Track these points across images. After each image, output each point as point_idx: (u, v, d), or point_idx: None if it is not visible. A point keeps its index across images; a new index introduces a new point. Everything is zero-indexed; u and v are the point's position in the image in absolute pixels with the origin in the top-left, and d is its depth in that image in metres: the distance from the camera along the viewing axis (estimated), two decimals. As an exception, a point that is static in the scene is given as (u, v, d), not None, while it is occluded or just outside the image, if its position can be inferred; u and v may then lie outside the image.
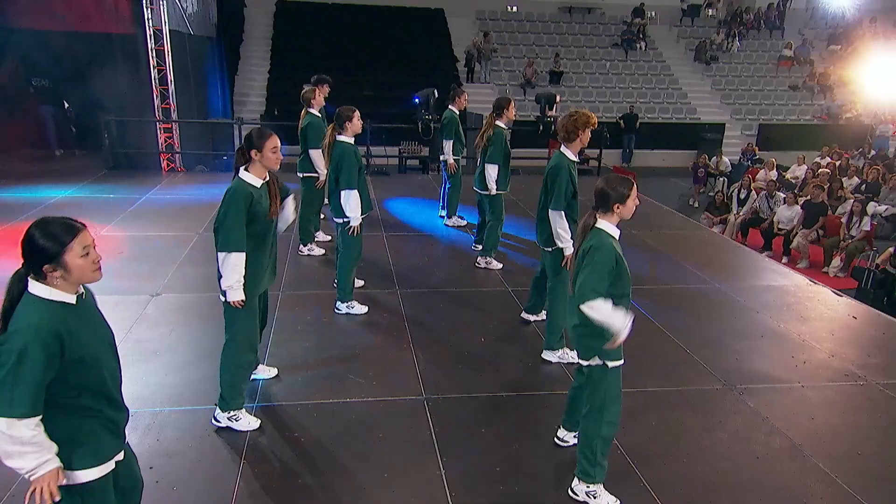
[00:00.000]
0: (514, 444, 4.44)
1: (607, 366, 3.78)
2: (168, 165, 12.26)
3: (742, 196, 14.02)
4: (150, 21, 11.47)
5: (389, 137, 14.63)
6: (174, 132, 12.25)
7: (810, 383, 5.43)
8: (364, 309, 6.51)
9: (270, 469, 4.08)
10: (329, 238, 8.30)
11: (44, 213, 7.00)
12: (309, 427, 4.56)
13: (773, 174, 15.20)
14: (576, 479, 3.93)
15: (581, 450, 3.90)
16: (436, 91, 11.72)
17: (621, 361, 3.82)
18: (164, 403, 4.77)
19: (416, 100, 11.70)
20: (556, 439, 4.48)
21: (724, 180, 16.50)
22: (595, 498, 3.89)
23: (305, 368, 5.38)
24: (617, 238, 3.78)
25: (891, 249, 10.05)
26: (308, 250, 8.01)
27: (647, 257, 8.59)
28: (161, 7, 11.57)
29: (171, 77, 11.74)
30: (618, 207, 3.64)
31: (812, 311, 7.03)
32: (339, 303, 6.50)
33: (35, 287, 2.29)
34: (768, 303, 7.19)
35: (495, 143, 7.43)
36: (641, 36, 24.28)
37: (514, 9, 25.01)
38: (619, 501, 3.93)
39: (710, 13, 26.46)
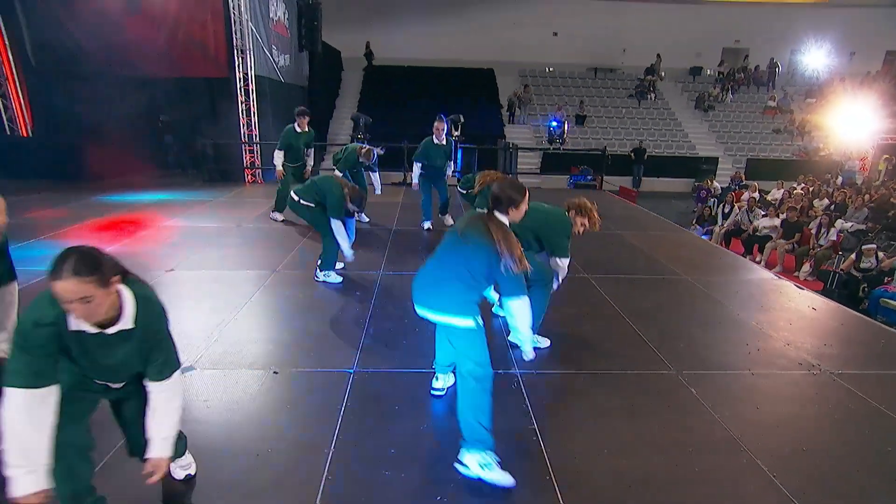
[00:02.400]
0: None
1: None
2: (251, 179, 11.59)
3: (726, 210, 12.42)
4: (241, 67, 10.91)
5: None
6: (255, 152, 11.57)
7: (761, 371, 3.98)
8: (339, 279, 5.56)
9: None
10: None
11: (157, 210, 7.00)
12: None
13: (756, 195, 13.48)
14: None
15: None
16: (461, 116, 10.78)
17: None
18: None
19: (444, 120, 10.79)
20: None
21: (714, 200, 14.86)
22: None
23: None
24: None
25: (853, 256, 8.43)
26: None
27: (623, 251, 7.16)
28: (249, 58, 10.97)
29: (254, 109, 11.08)
30: (510, 211, 2.85)
31: (773, 302, 5.48)
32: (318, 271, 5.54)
33: None
34: (731, 293, 5.66)
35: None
36: (652, 89, 22.60)
37: (551, 69, 23.69)
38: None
39: (709, 72, 24.46)
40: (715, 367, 4.00)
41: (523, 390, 3.60)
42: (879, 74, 23.31)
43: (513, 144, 14.43)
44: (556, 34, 24.55)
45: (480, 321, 2.81)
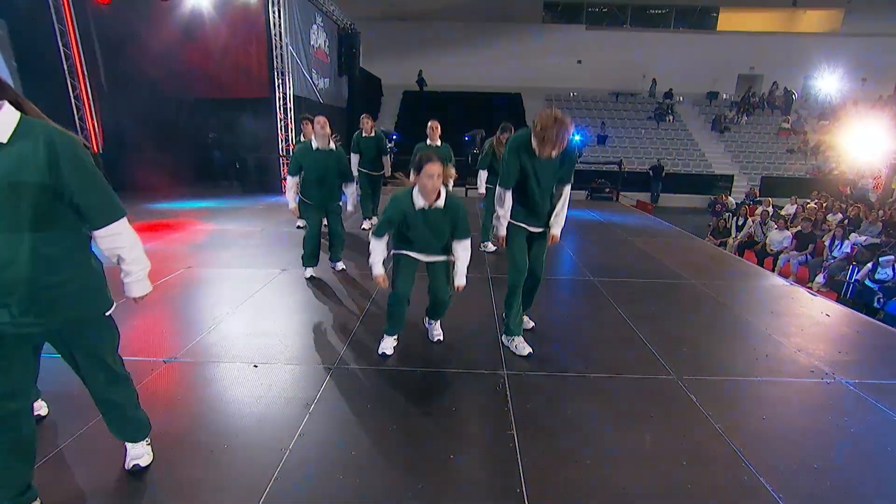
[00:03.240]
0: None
1: None
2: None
3: (740, 223, 11.52)
4: (280, 88, 10.70)
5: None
6: (293, 165, 11.23)
7: (769, 378, 3.34)
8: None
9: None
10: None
11: (195, 214, 6.90)
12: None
13: (770, 209, 12.53)
14: None
15: None
16: (483, 132, 10.27)
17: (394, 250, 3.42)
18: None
19: (466, 138, 10.36)
20: None
21: (728, 214, 13.94)
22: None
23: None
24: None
25: (869, 265, 7.54)
26: None
27: (631, 255, 6.46)
28: (288, 79, 10.76)
29: (291, 126, 10.80)
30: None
31: (784, 308, 4.76)
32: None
33: None
34: (739, 298, 4.96)
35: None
36: (670, 112, 21.64)
37: (575, 94, 22.99)
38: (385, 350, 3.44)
39: (724, 96, 23.32)
40: (718, 373, 3.37)
41: (508, 392, 3.06)
42: (892, 98, 21.81)
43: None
44: (580, 62, 23.91)
45: None
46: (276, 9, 10.47)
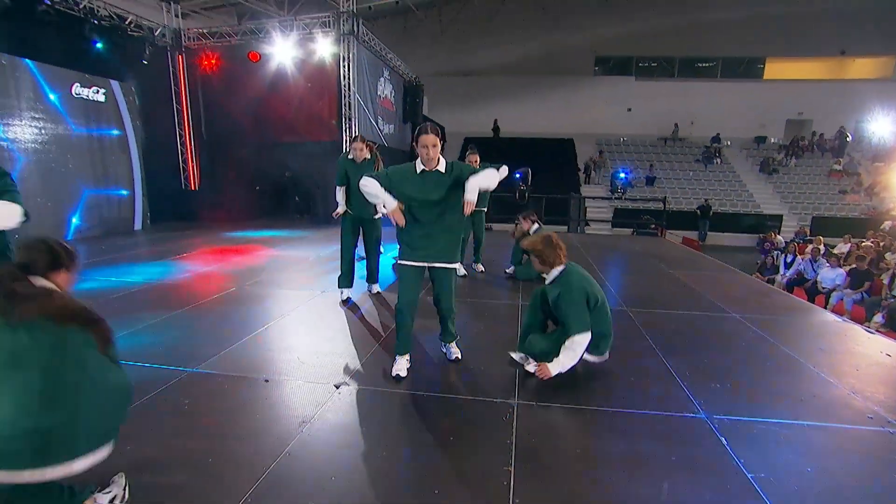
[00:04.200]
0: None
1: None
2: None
3: (788, 260, 10.31)
4: (347, 132, 10.83)
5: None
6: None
7: (817, 422, 2.66)
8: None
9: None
10: None
11: (262, 242, 7.19)
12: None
13: (822, 247, 11.20)
14: None
15: None
16: (530, 170, 9.83)
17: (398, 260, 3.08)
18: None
19: (518, 175, 9.95)
20: None
21: (777, 252, 12.63)
22: None
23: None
24: None
25: (937, 305, 6.38)
26: None
27: (670, 286, 5.71)
28: (354, 124, 10.88)
29: (356, 165, 10.88)
30: None
31: (836, 346, 3.94)
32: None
33: None
34: (785, 333, 4.17)
35: None
36: (718, 155, 20.34)
37: (624, 139, 22.17)
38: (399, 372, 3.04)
39: (772, 140, 21.70)
40: (756, 414, 2.72)
41: (514, 423, 2.57)
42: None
43: (579, 195, 13.27)
44: (629, 110, 23.13)
45: None
46: (346, 63, 10.72)
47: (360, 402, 2.79)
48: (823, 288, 8.83)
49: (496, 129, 22.83)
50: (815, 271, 9.28)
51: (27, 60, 7.86)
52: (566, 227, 12.36)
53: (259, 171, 11.58)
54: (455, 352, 3.39)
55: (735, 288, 5.92)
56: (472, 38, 23.59)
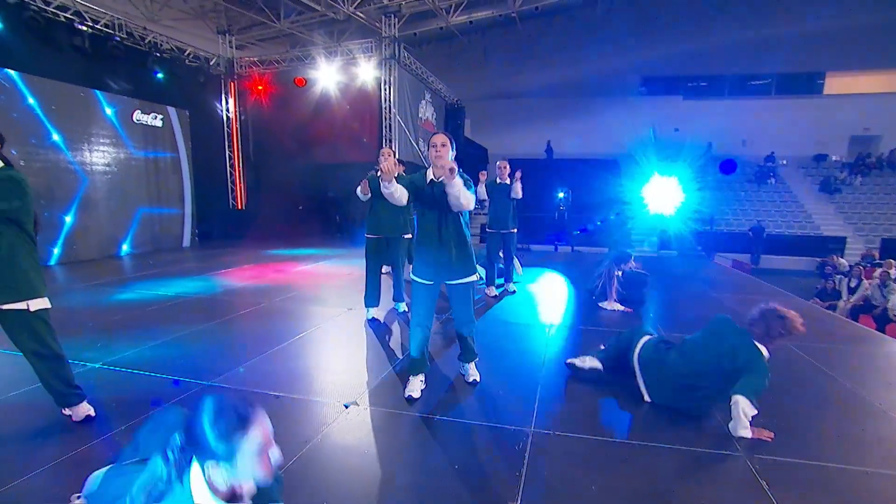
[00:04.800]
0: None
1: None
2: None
3: (853, 285, 9.46)
4: (389, 152, 10.97)
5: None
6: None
7: (882, 469, 2.30)
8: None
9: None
10: None
11: (300, 259, 7.43)
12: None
13: (893, 271, 10.25)
14: None
15: None
16: (570, 190, 9.63)
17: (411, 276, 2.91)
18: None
19: (564, 192, 9.77)
20: None
21: (840, 276, 11.67)
22: None
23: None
24: None
25: None
26: None
27: (713, 311, 5.23)
28: (395, 145, 11.03)
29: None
30: None
31: (905, 382, 3.50)
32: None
33: None
34: (848, 366, 3.72)
35: None
36: (772, 175, 19.26)
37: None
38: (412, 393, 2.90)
39: (834, 158, 20.35)
40: (805, 456, 2.39)
41: (527, 453, 2.37)
42: None
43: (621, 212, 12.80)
44: (677, 130, 22.38)
45: None
46: (387, 87, 10.92)
47: (367, 422, 2.66)
48: (895, 315, 8.04)
49: (549, 150, 22.38)
50: (886, 297, 8.47)
51: (97, 91, 8.45)
52: (608, 248, 11.92)
53: (302, 192, 11.89)
54: (473, 374, 3.22)
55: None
56: (517, 61, 23.66)
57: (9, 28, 7.35)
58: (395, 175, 4.48)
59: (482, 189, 5.59)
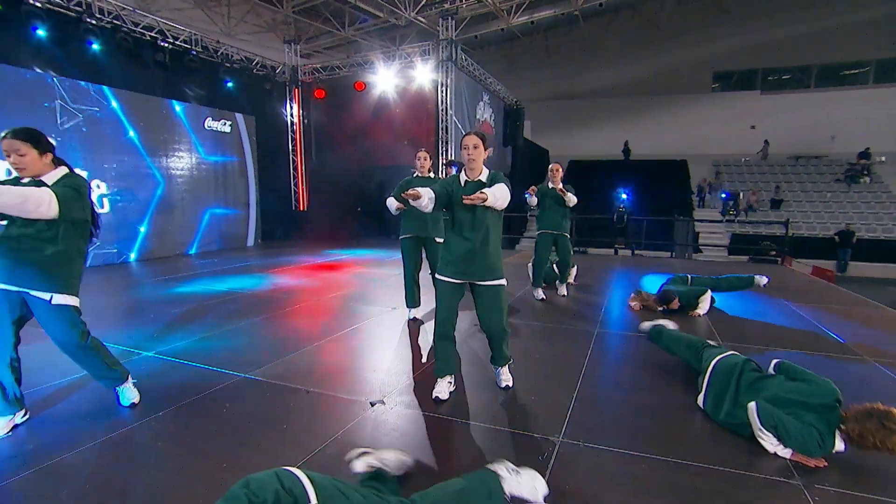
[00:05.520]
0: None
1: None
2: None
3: (962, 297, 8.31)
4: (444, 155, 11.08)
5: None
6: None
7: (974, 514, 1.94)
8: None
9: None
10: None
11: (355, 261, 7.74)
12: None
13: None
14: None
15: None
16: (625, 193, 9.15)
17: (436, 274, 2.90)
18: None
19: (626, 194, 9.33)
20: None
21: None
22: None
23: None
24: None
25: None
26: None
27: (783, 320, 4.68)
28: (451, 147, 11.02)
29: (449, 186, 10.97)
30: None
31: None
32: None
33: None
34: (940, 390, 3.25)
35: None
36: (866, 172, 17.41)
37: (746, 160, 19.96)
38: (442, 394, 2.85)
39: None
40: (879, 490, 2.07)
41: (551, 465, 2.21)
42: None
43: (687, 218, 12.02)
44: (753, 127, 20.83)
45: None
46: (444, 89, 10.95)
47: (389, 422, 2.61)
48: None
49: (627, 150, 21.35)
50: None
51: (173, 101, 9.10)
52: (670, 253, 11.26)
53: (360, 194, 12.16)
54: (506, 378, 3.09)
55: (876, 327, 4.81)
56: (579, 61, 23.07)
57: (104, 49, 8.06)
58: (430, 176, 4.46)
59: (533, 200, 5.47)
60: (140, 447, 2.37)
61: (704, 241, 14.39)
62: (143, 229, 8.54)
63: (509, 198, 2.75)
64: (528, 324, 4.59)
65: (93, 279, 6.71)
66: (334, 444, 2.37)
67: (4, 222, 2.38)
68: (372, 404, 2.80)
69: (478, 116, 12.75)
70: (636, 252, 10.84)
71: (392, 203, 3.98)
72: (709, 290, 5.08)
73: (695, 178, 19.01)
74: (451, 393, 2.92)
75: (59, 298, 2.41)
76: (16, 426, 2.48)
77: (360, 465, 1.84)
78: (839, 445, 2.21)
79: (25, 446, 2.34)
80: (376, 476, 1.86)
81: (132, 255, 8.38)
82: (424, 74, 11.13)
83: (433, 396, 2.87)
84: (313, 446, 2.32)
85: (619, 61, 22.46)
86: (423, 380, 3.18)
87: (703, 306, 4.97)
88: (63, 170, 2.45)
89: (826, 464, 2.23)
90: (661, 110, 22.02)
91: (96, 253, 7.78)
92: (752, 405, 2.38)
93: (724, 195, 16.34)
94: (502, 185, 2.73)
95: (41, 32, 7.28)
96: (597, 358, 3.65)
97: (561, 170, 5.59)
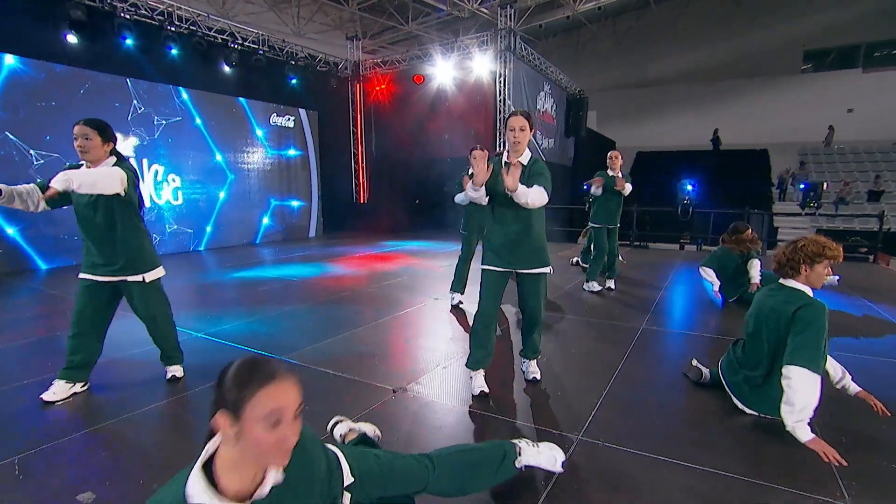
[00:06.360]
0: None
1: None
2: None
3: None
4: (501, 147, 10.82)
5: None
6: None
7: None
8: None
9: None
10: None
11: (407, 252, 7.78)
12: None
13: None
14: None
15: None
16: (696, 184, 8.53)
17: (482, 265, 2.79)
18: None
19: (692, 185, 8.66)
20: None
21: None
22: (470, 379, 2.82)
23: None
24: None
25: None
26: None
27: (870, 329, 4.14)
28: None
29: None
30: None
31: None
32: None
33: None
34: None
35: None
36: None
37: (840, 146, 18.06)
38: (483, 388, 2.77)
39: None
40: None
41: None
42: None
43: (763, 211, 11.02)
44: (850, 111, 18.77)
45: None
46: (502, 79, 10.79)
47: (408, 409, 2.62)
48: None
49: (716, 139, 19.55)
50: None
51: (241, 99, 9.65)
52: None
53: (419, 186, 12.30)
54: (534, 371, 3.00)
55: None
56: (649, 47, 21.88)
57: (181, 53, 8.68)
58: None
59: (598, 191, 5.34)
60: (176, 418, 2.55)
61: (784, 237, 13.21)
62: (212, 220, 9.16)
63: (546, 200, 2.62)
64: (572, 318, 4.44)
65: (166, 266, 7.28)
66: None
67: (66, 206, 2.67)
68: (394, 391, 2.83)
69: (538, 107, 12.46)
70: (703, 247, 10.15)
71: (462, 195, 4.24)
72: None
73: (776, 169, 17.49)
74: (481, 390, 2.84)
75: (151, 275, 2.82)
76: (74, 394, 2.74)
77: (340, 430, 1.96)
78: (807, 291, 2.38)
79: (79, 411, 2.58)
80: (363, 441, 1.96)
81: (202, 245, 9.01)
82: (483, 65, 11.02)
83: (476, 392, 2.77)
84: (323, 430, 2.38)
85: (694, 46, 21.06)
86: (450, 371, 3.17)
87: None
88: (114, 159, 2.68)
89: (837, 456, 2.04)
90: (741, 96, 20.39)
91: (170, 241, 8.44)
92: (791, 369, 2.19)
93: (803, 186, 14.90)
94: (541, 189, 2.57)
95: (129, 42, 7.95)
96: (636, 356, 3.46)
97: (621, 157, 5.38)
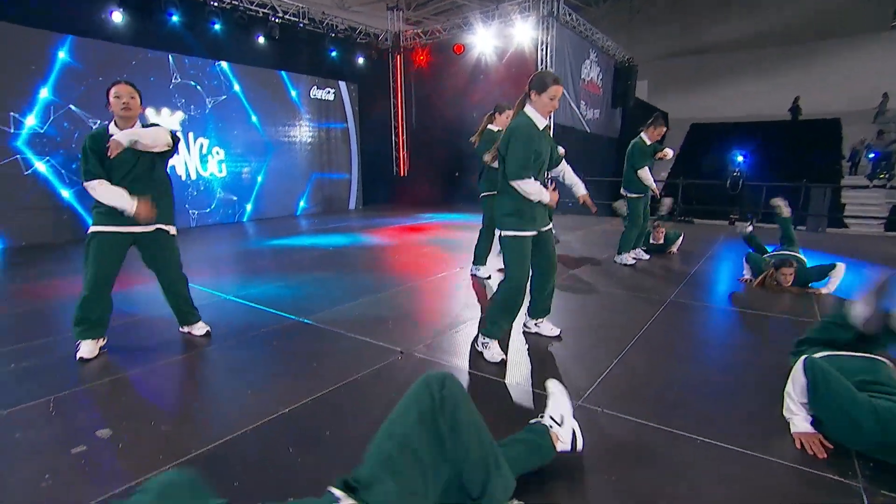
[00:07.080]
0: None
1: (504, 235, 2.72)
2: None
3: None
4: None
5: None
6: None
7: None
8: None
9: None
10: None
11: (440, 224, 8.01)
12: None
13: None
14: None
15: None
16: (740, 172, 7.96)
17: (513, 232, 2.71)
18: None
19: (744, 155, 8.11)
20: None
21: None
22: (486, 348, 2.77)
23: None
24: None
25: None
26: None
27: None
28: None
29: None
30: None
31: None
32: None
33: None
34: None
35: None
36: None
37: (926, 114, 16.35)
38: (503, 356, 2.76)
39: None
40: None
41: (559, 425, 2.09)
42: None
43: (827, 184, 10.15)
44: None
45: None
46: (544, 47, 10.42)
47: (412, 369, 2.65)
48: None
49: (796, 108, 17.78)
50: None
51: (282, 72, 9.82)
52: (804, 226, 9.70)
53: (458, 159, 12.20)
54: (551, 329, 3.16)
55: None
56: (708, 10, 20.43)
57: (224, 28, 8.88)
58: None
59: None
60: (192, 369, 2.71)
61: (851, 213, 12.20)
62: (254, 192, 9.48)
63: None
64: (604, 291, 4.33)
65: (209, 235, 7.65)
66: (353, 382, 2.47)
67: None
68: (402, 353, 2.87)
69: (583, 76, 11.98)
70: (757, 224, 9.55)
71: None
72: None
73: (852, 140, 16.08)
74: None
75: (174, 229, 2.97)
76: (101, 349, 2.92)
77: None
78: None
79: (109, 363, 2.78)
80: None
81: (245, 216, 9.37)
82: (524, 32, 10.66)
83: (497, 360, 2.73)
84: (329, 383, 2.45)
85: (760, 6, 19.47)
86: (460, 334, 3.18)
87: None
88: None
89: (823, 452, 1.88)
90: (809, 60, 18.74)
91: (216, 212, 8.82)
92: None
93: (872, 155, 13.64)
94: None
95: (175, 18, 8.21)
96: (658, 326, 3.34)
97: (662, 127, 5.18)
